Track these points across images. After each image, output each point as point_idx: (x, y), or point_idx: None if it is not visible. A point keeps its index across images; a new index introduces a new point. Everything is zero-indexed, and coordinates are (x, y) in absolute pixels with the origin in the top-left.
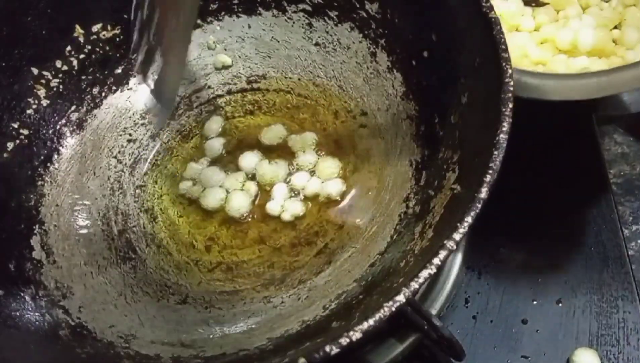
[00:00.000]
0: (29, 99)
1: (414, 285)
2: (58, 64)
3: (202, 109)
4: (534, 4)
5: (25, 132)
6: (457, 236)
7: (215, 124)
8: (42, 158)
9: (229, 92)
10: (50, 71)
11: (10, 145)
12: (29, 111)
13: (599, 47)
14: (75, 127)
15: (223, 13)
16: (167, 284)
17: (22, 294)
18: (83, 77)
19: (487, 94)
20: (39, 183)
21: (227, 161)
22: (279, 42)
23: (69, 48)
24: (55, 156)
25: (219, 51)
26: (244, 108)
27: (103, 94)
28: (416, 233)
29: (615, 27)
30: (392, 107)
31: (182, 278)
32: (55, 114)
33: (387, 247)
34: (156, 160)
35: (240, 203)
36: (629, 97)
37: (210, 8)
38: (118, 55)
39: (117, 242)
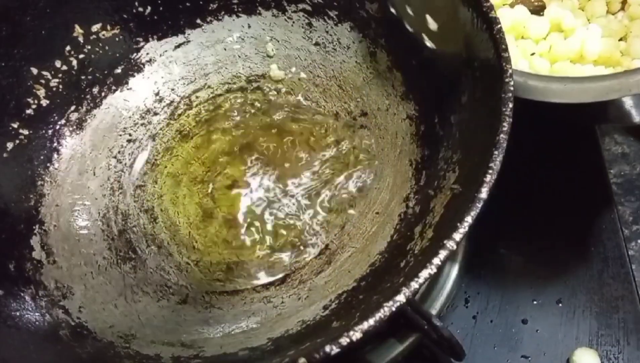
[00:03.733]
0: (29, 99)
1: (414, 285)
2: (58, 64)
3: (202, 109)
4: (541, 13)
5: (25, 132)
6: (457, 236)
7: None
8: (42, 158)
9: (229, 91)
10: (50, 71)
11: (10, 145)
12: (28, 111)
13: (606, 55)
14: (75, 127)
15: (223, 13)
16: (168, 284)
17: (22, 294)
18: (83, 77)
19: (487, 94)
20: (39, 183)
21: None
22: (278, 42)
23: (68, 48)
24: (55, 156)
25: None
26: (244, 108)
27: (103, 94)
28: (416, 233)
29: (621, 40)
30: (392, 107)
31: (183, 278)
32: (55, 114)
33: (387, 247)
34: (156, 160)
35: None
36: (632, 107)
37: (210, 8)
38: (118, 55)
39: (117, 242)
